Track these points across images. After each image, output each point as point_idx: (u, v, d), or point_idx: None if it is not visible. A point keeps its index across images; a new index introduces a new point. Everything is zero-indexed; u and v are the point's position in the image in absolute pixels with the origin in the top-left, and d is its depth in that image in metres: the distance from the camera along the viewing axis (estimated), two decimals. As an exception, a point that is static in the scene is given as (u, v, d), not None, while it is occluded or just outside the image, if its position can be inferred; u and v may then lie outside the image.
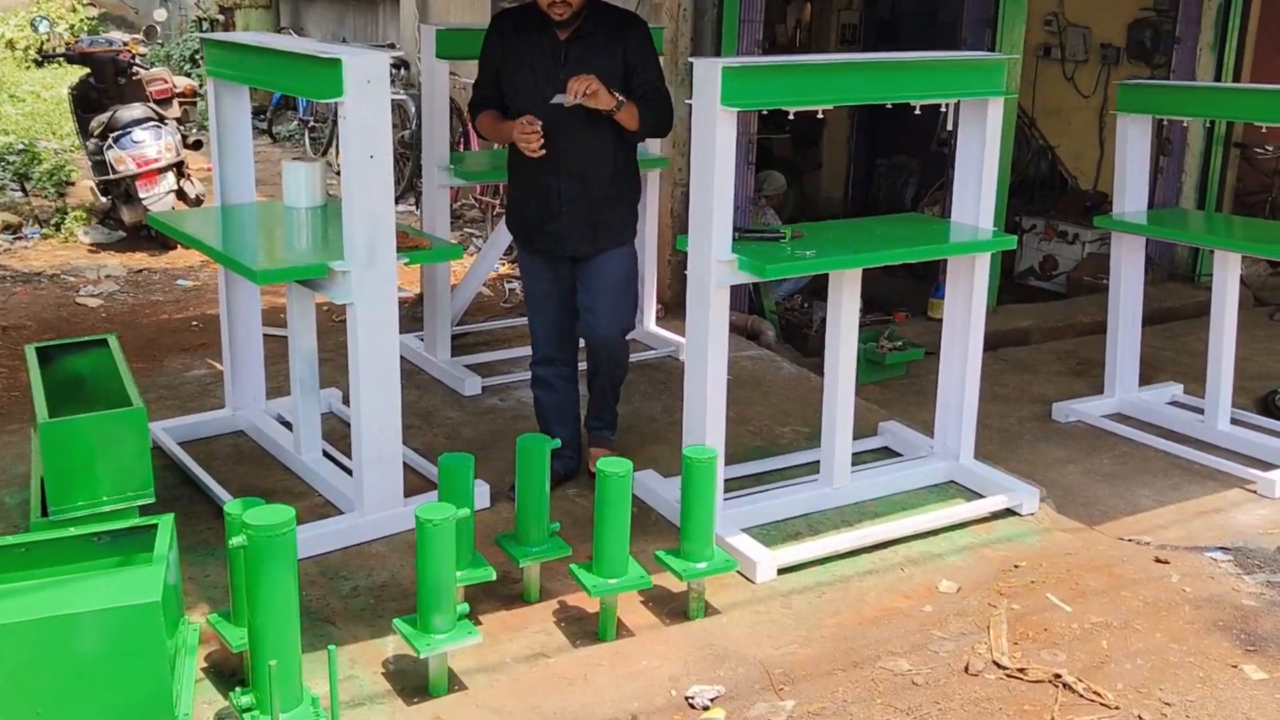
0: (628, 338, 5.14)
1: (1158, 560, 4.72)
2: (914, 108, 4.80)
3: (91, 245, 8.91)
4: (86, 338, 4.85)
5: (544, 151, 4.63)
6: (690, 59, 5.26)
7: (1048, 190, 9.77)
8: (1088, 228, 8.56)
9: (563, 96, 4.55)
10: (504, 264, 8.09)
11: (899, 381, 6.80)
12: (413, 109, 9.95)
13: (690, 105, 4.44)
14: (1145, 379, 6.52)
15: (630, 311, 5.07)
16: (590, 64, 4.64)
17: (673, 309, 7.08)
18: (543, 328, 5.03)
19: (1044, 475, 5.50)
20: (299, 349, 5.03)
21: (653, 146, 6.61)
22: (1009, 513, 5.01)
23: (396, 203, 7.17)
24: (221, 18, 14.35)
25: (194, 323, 7.23)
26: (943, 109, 4.90)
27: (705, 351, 4.54)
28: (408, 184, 9.96)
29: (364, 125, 4.31)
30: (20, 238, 8.98)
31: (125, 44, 9.69)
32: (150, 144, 8.62)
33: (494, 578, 4.07)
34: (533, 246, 4.95)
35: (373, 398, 4.54)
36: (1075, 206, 9.16)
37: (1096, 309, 7.07)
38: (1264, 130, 7.38)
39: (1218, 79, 8.57)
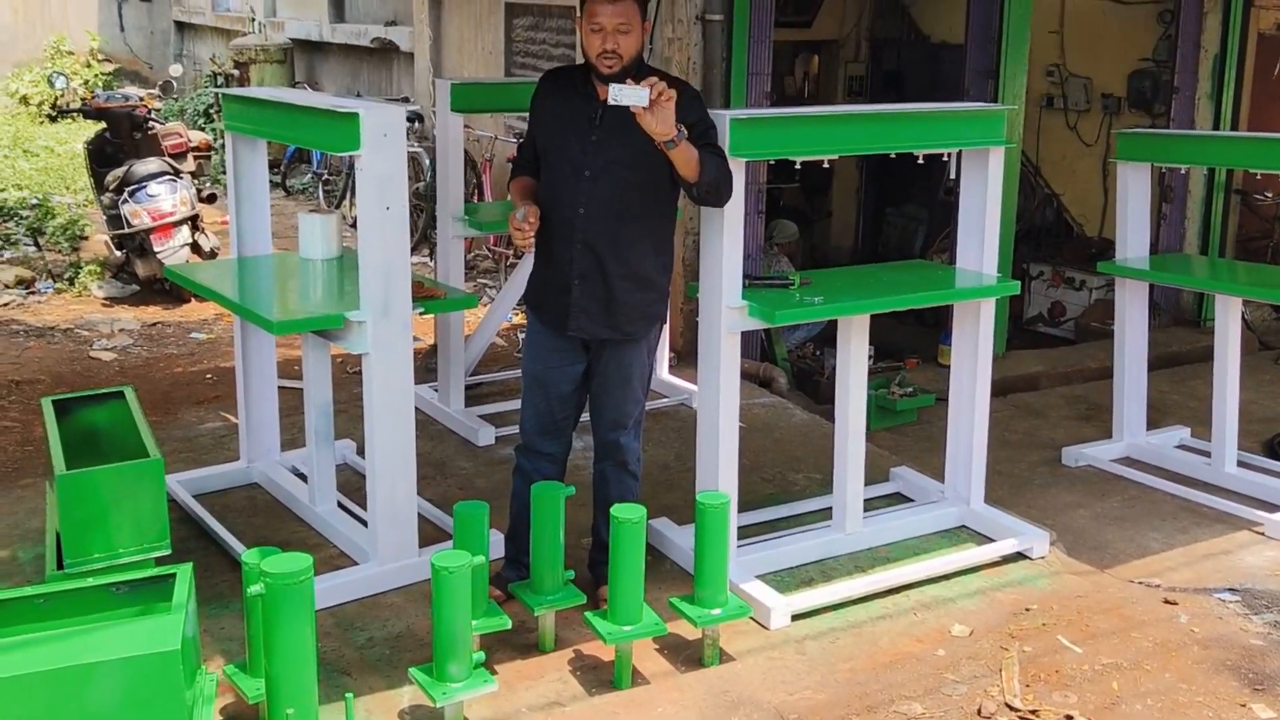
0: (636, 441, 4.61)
1: (1167, 602, 4.75)
2: (917, 157, 4.88)
3: (105, 299, 8.97)
4: (102, 390, 4.87)
5: (530, 247, 4.32)
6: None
7: (1054, 237, 9.85)
8: (1094, 274, 8.63)
9: (620, 89, 3.91)
10: (517, 314, 8.14)
11: (910, 427, 6.85)
12: (427, 161, 10.05)
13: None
14: (1153, 423, 6.57)
15: (636, 413, 4.54)
16: (629, 128, 4.06)
17: (685, 357, 7.12)
18: (529, 415, 4.54)
19: (1054, 519, 5.54)
20: (314, 400, 5.07)
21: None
22: (1020, 556, 5.03)
23: (411, 254, 7.22)
24: (236, 72, 14.48)
25: (208, 375, 7.27)
26: (945, 158, 4.99)
27: (717, 397, 4.59)
28: (421, 235, 10.04)
29: (380, 177, 4.38)
30: (34, 292, 9.04)
31: (141, 99, 9.79)
32: (165, 198, 8.68)
33: (509, 626, 4.09)
34: (540, 318, 4.49)
35: (387, 448, 4.58)
36: (1081, 253, 9.23)
37: (1104, 354, 7.11)
38: (1259, 177, 7.46)
39: (1216, 127, 8.67)
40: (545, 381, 4.47)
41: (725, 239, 4.45)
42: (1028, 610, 4.62)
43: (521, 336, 7.83)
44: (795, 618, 4.47)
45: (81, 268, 9.39)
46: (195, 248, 8.80)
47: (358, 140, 4.32)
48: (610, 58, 4.17)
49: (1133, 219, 6.25)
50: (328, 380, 5.10)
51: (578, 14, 4.33)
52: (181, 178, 8.95)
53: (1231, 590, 4.87)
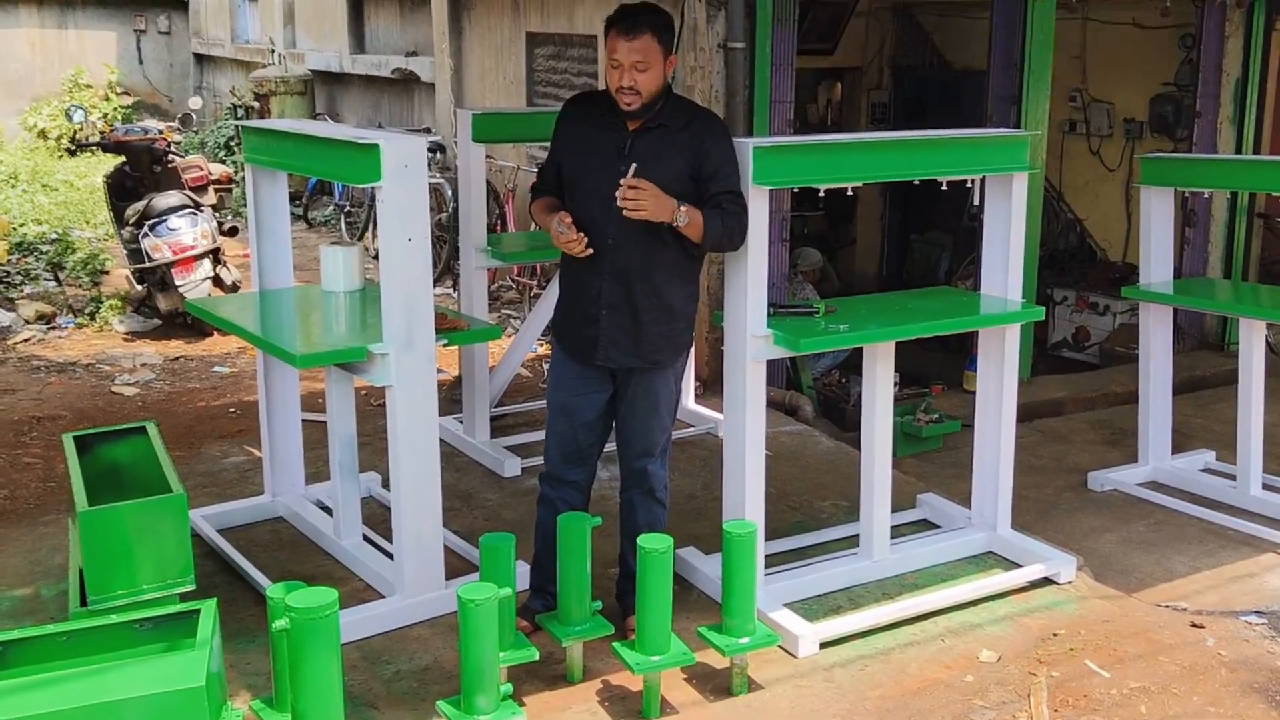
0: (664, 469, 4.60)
1: (1193, 625, 4.74)
2: (941, 183, 4.86)
3: (126, 334, 8.96)
4: (124, 425, 4.88)
5: (590, 251, 4.24)
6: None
7: (1078, 262, 9.84)
8: (1118, 299, 8.60)
9: (565, 233, 4.20)
10: (542, 344, 8.14)
11: (936, 454, 6.84)
12: (449, 192, 10.05)
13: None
14: (1178, 447, 6.55)
15: (663, 441, 4.54)
16: (657, 160, 4.19)
17: (711, 385, 7.11)
18: (554, 443, 4.52)
19: (1081, 544, 5.52)
20: (338, 433, 5.06)
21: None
22: (1047, 581, 5.01)
23: (434, 285, 7.21)
24: (256, 104, 14.52)
25: (231, 409, 7.27)
26: (968, 184, 4.97)
27: (743, 426, 4.57)
28: (445, 266, 10.03)
29: (402, 209, 4.37)
30: (54, 327, 9.04)
31: (160, 132, 9.79)
32: (186, 231, 8.66)
33: (537, 657, 4.06)
34: (566, 348, 4.49)
35: (413, 481, 4.57)
36: (1105, 278, 9.22)
37: (1129, 379, 7.10)
38: (1281, 200, 7.47)
39: (1238, 151, 8.67)
40: (570, 409, 4.46)
41: (749, 267, 4.44)
42: (1055, 635, 4.60)
43: (546, 367, 7.86)
44: (823, 645, 4.45)
45: (102, 302, 9.40)
46: (217, 281, 8.80)
47: (379, 171, 4.31)
48: (628, 94, 4.20)
49: (1156, 243, 6.25)
50: (351, 413, 5.09)
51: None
52: (202, 211, 8.93)
53: (1258, 613, 4.86)
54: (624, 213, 4.10)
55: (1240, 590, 5.13)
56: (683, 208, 4.15)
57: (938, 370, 8.14)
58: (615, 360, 4.37)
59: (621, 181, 4.11)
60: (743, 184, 4.36)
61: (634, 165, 4.17)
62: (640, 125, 4.25)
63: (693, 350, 6.84)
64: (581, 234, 4.21)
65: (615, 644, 4.11)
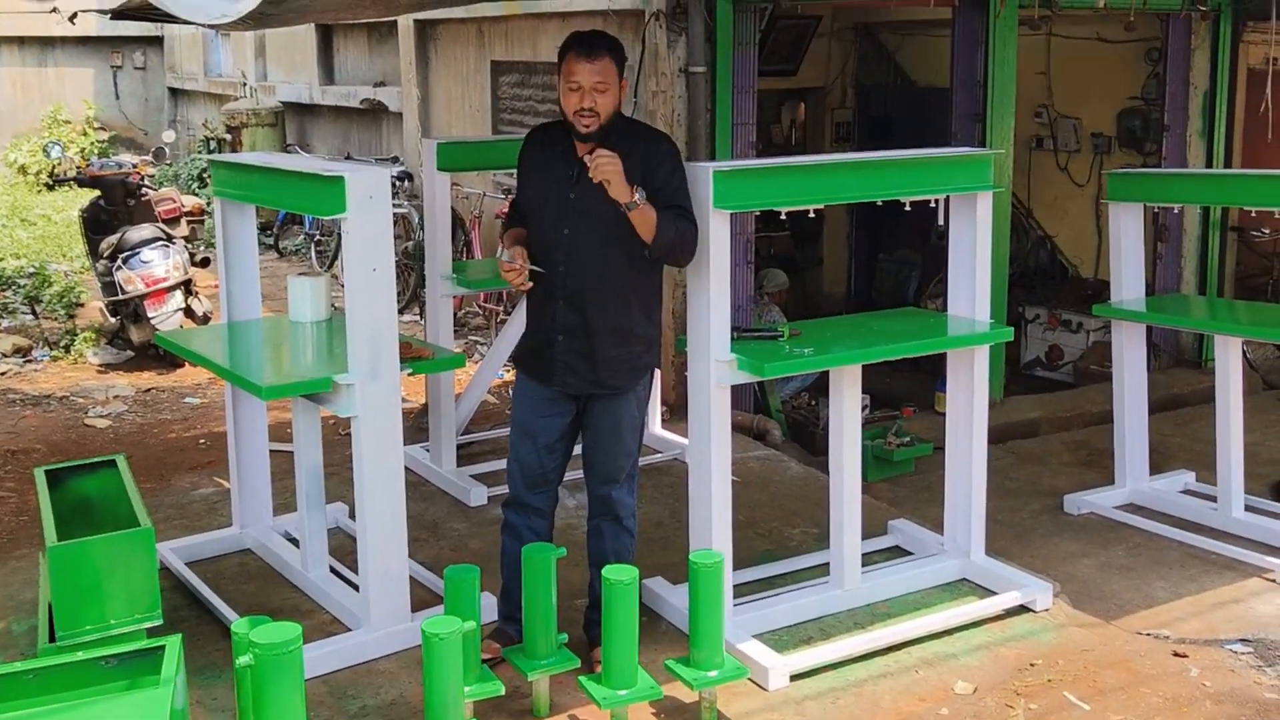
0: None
1: (1176, 654, 4.65)
2: (904, 205, 4.85)
3: (100, 366, 8.96)
4: (95, 459, 4.87)
5: (529, 285, 4.28)
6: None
7: (1049, 279, 9.82)
8: (1090, 316, 8.58)
9: (512, 263, 4.27)
10: (508, 371, 8.11)
11: (908, 478, 6.77)
12: (417, 219, 10.06)
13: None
14: (1156, 467, 6.48)
15: (628, 466, 4.51)
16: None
17: (678, 410, 7.07)
18: (517, 465, 4.50)
19: (1058, 569, 5.45)
20: (305, 464, 5.03)
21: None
22: (1023, 609, 4.95)
23: (401, 313, 7.14)
24: (228, 136, 14.58)
25: (201, 440, 7.24)
26: (933, 204, 4.96)
27: (708, 453, 4.54)
28: (412, 294, 10.03)
29: (366, 240, 4.37)
30: (30, 360, 9.03)
31: (135, 166, 9.83)
32: (159, 263, 8.70)
33: (503, 692, 4.02)
34: (527, 370, 4.51)
35: (378, 511, 4.54)
36: (1077, 295, 9.19)
37: (1104, 398, 7.03)
38: (1254, 214, 7.43)
39: (1209, 164, 8.66)
40: (534, 432, 4.46)
41: (712, 291, 4.43)
42: (1032, 665, 4.53)
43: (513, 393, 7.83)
44: (794, 678, 4.40)
45: (77, 335, 9.40)
46: (189, 312, 8.82)
47: (344, 203, 4.31)
48: (587, 116, 4.22)
49: (1127, 260, 6.19)
50: (318, 443, 5.06)
51: (556, 72, 4.34)
52: (174, 243, 8.97)
53: (1243, 641, 4.78)
54: (589, 173, 4.13)
55: (1224, 617, 5.04)
56: (639, 195, 4.15)
57: (908, 391, 8.10)
58: (573, 385, 4.38)
59: (591, 154, 4.14)
60: (702, 207, 4.37)
61: (579, 197, 4.25)
62: (590, 149, 4.23)
63: (658, 376, 6.85)
64: (521, 264, 4.25)
65: (582, 678, 4.07)
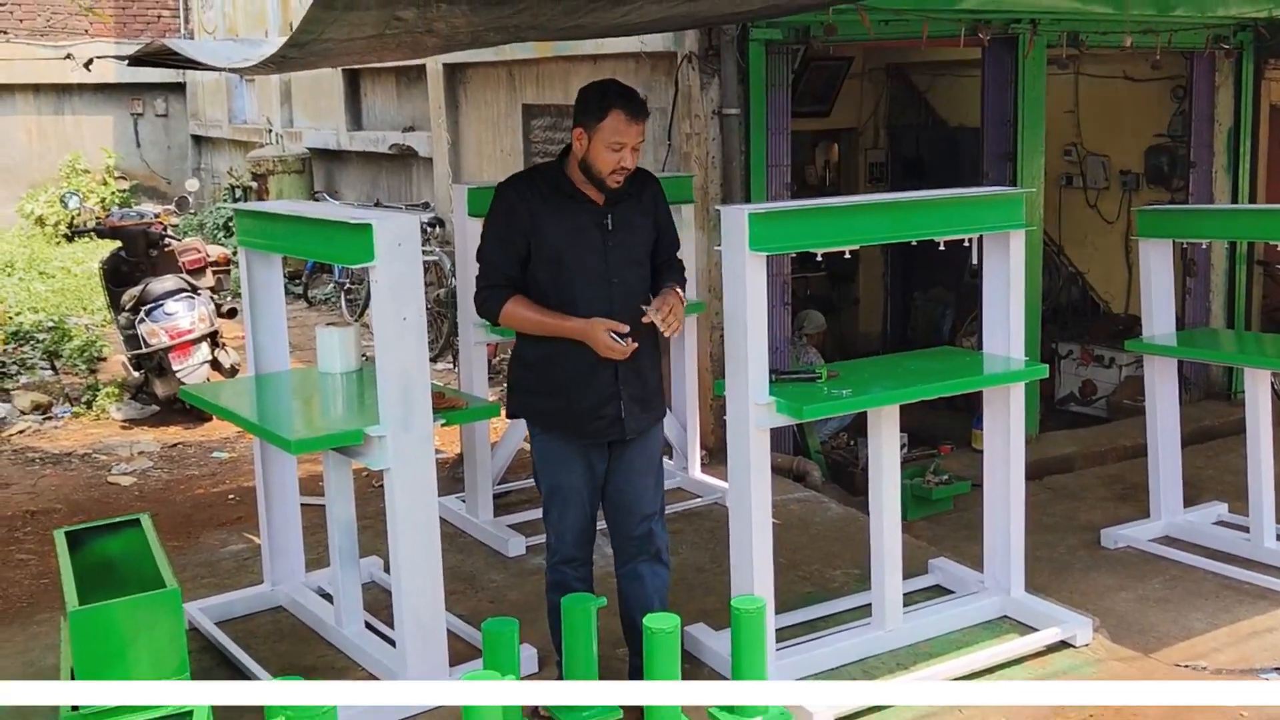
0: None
1: (1215, 685, 4.63)
2: (938, 244, 4.82)
3: (124, 421, 8.86)
4: (118, 519, 4.79)
5: (635, 346, 4.25)
6: (718, 206, 5.28)
7: (1080, 315, 9.80)
8: (1122, 351, 8.52)
9: (652, 313, 4.24)
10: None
11: (947, 516, 6.75)
12: (449, 265, 9.99)
13: (720, 251, 4.46)
14: (1190, 500, 6.49)
15: (662, 497, 4.56)
16: (631, 229, 4.33)
17: (716, 454, 7.01)
18: (569, 528, 4.42)
19: (1096, 604, 5.43)
20: (337, 518, 4.98)
21: (689, 290, 6.60)
22: (1064, 645, 4.92)
23: (435, 361, 7.07)
24: (254, 184, 14.50)
25: (230, 495, 7.18)
26: (966, 243, 4.93)
27: (749, 496, 4.50)
28: (445, 342, 9.96)
29: (396, 288, 4.32)
30: (50, 417, 8.92)
31: (157, 215, 9.72)
32: (183, 315, 8.60)
33: (545, 745, 3.96)
34: (579, 435, 4.36)
35: (413, 565, 4.48)
36: (1108, 330, 9.17)
37: (1138, 432, 7.01)
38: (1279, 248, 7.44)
39: (1234, 199, 8.68)
40: (583, 490, 4.41)
41: (749, 334, 4.40)
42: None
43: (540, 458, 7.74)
44: (839, 721, 4.33)
45: (99, 390, 9.28)
46: (215, 364, 8.73)
47: (372, 251, 4.27)
48: (621, 174, 4.25)
49: (1157, 295, 6.20)
50: (350, 497, 5.01)
51: (580, 125, 4.27)
52: (199, 294, 8.89)
53: (1278, 669, 4.79)
54: (666, 332, 4.24)
55: (1259, 646, 5.05)
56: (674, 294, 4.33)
57: (945, 429, 8.06)
58: (635, 429, 4.38)
59: (652, 317, 4.21)
60: (738, 250, 4.39)
61: (616, 247, 4.30)
62: (606, 199, 4.29)
63: (697, 420, 6.80)
64: (629, 341, 4.23)
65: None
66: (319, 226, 4.86)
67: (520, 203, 4.34)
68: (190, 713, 3.32)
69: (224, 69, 7.27)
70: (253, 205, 5.92)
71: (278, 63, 6.06)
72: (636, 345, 4.24)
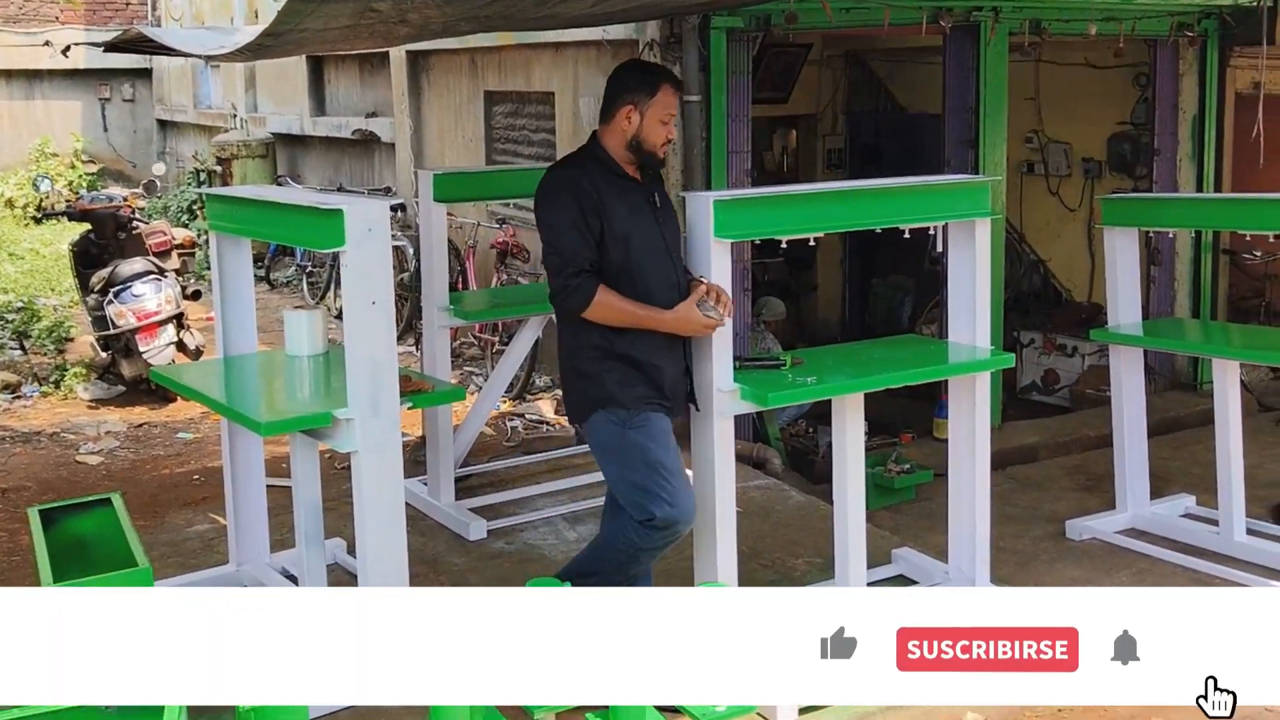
0: None
1: (1184, 679, 4.63)
2: (903, 231, 4.85)
3: (91, 401, 8.87)
4: (89, 498, 4.78)
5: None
6: (681, 193, 5.31)
7: (1043, 304, 9.83)
8: (1086, 340, 8.59)
9: (714, 312, 4.30)
10: (505, 402, 8.07)
11: (909, 505, 6.76)
12: (411, 250, 10.01)
13: (684, 237, 4.48)
14: (1156, 491, 6.45)
15: None
16: (669, 206, 4.52)
17: (679, 440, 7.01)
18: (686, 501, 4.36)
19: (1062, 596, 5.43)
20: (303, 500, 4.97)
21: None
22: (1030, 637, 4.92)
23: (397, 343, 7.06)
24: (219, 168, 14.51)
25: (195, 476, 7.18)
26: (930, 231, 4.95)
27: (713, 484, 4.51)
28: (407, 325, 9.98)
29: (365, 273, 4.32)
30: (19, 396, 8.93)
31: (124, 199, 9.74)
32: (150, 297, 8.61)
33: (509, 728, 3.97)
34: (670, 412, 4.45)
35: (379, 547, 4.48)
36: (1071, 319, 9.20)
37: (1102, 422, 7.05)
38: (1248, 237, 7.46)
39: (1199, 188, 8.69)
40: (679, 465, 4.43)
41: (714, 322, 4.40)
42: (1042, 697, 4.52)
43: (512, 426, 7.80)
44: (803, 712, 4.34)
45: (67, 370, 9.31)
46: (180, 346, 8.73)
47: (342, 236, 4.27)
48: (668, 146, 4.44)
49: (1122, 284, 6.20)
50: (316, 479, 5.00)
51: (630, 103, 4.32)
52: (166, 276, 8.89)
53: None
54: (723, 314, 4.33)
55: (1227, 641, 5.07)
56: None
57: (905, 417, 8.08)
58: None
59: (712, 311, 4.29)
60: (703, 237, 4.42)
61: (664, 225, 4.43)
62: (641, 178, 4.44)
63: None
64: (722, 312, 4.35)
65: (589, 714, 4.01)
66: (290, 211, 4.86)
67: (591, 187, 4.31)
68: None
69: (199, 55, 7.25)
70: (224, 190, 5.92)
71: (253, 50, 6.05)
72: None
